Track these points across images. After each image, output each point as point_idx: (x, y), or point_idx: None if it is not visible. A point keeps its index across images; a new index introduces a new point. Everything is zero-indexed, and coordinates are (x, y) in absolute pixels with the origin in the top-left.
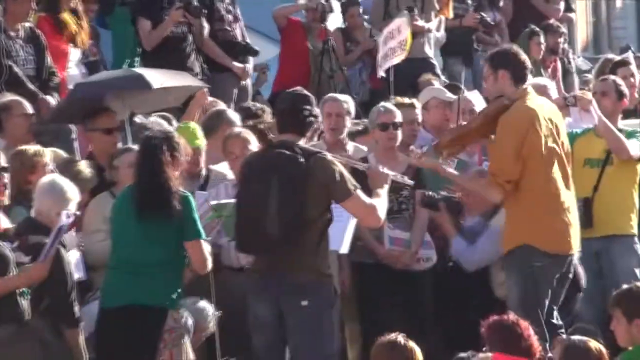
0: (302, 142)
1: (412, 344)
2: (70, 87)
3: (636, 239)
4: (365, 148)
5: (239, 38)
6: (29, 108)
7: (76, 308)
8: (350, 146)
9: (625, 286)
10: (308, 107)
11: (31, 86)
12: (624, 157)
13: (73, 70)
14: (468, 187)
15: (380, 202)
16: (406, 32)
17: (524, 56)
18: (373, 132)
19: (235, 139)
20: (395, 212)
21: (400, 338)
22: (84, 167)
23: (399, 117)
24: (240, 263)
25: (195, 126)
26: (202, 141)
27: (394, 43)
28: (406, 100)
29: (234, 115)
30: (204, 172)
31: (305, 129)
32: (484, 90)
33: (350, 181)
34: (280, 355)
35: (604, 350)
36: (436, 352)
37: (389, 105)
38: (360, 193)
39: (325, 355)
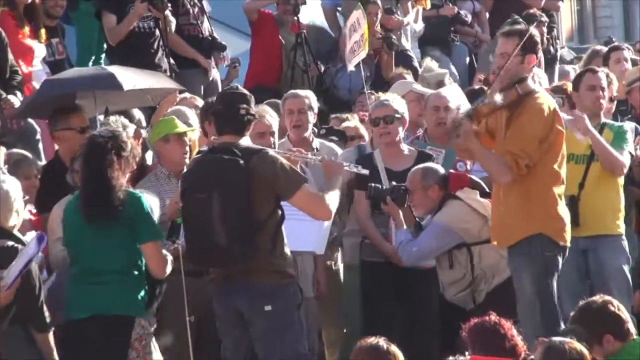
0: (243, 141)
1: (394, 348)
2: (35, 83)
3: (623, 236)
4: (334, 146)
5: (206, 33)
6: None
7: (46, 313)
8: (317, 143)
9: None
10: (244, 105)
11: None
12: (619, 173)
13: (38, 66)
14: (483, 160)
15: (331, 195)
16: (364, 25)
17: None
18: (371, 128)
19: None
20: None
21: (382, 342)
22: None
23: (392, 110)
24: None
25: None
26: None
27: (357, 36)
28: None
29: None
30: None
31: (243, 128)
32: (494, 62)
33: (295, 175)
34: (248, 358)
35: (585, 351)
36: (442, 352)
37: (381, 100)
38: (306, 186)
39: (297, 355)
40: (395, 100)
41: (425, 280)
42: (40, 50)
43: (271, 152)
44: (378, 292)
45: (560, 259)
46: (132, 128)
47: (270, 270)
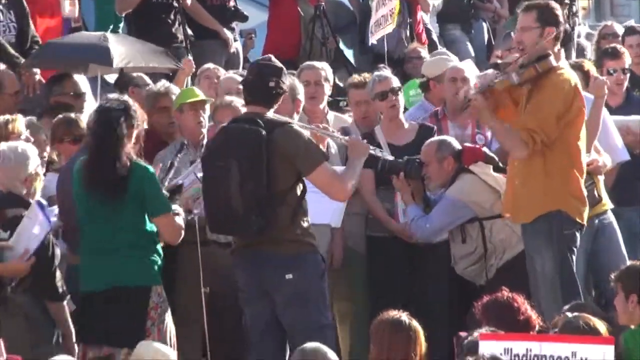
0: (269, 114)
1: (415, 323)
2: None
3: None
4: (349, 119)
5: (230, 3)
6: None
7: (60, 282)
8: (331, 115)
9: (629, 262)
10: (275, 78)
11: (12, 52)
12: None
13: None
14: (499, 133)
15: (351, 175)
16: (395, 1)
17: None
18: (374, 103)
19: (225, 109)
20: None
21: (405, 317)
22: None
23: (396, 82)
24: (227, 238)
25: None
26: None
27: (385, 10)
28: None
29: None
30: (204, 142)
31: (271, 100)
32: (515, 38)
33: (317, 152)
34: (269, 330)
35: (601, 326)
36: (450, 329)
37: (384, 72)
38: (326, 164)
39: (320, 325)
40: (389, 73)
41: (433, 254)
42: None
43: (296, 126)
44: (386, 267)
45: (578, 236)
46: (177, 91)
47: (290, 240)
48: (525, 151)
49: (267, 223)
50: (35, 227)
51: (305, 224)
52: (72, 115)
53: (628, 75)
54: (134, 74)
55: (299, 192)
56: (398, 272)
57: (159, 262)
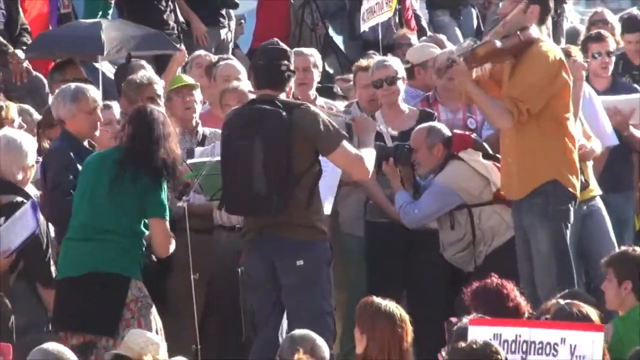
0: (282, 97)
1: (403, 313)
2: None
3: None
4: (339, 104)
5: None
6: None
7: (52, 268)
8: (321, 101)
9: (621, 248)
10: (285, 61)
11: (1, 40)
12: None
13: None
14: (482, 104)
15: (368, 153)
16: None
17: None
18: (372, 90)
19: (232, 92)
20: None
21: (395, 309)
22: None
23: (393, 71)
24: (232, 222)
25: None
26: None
27: None
28: (363, 62)
29: None
30: (200, 129)
31: (283, 83)
32: (500, 9)
33: (337, 132)
34: (274, 314)
35: (593, 314)
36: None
37: (379, 61)
38: (346, 144)
39: (323, 312)
40: (393, 60)
41: (430, 241)
42: None
43: (312, 107)
44: (384, 253)
45: (572, 210)
46: (160, 85)
47: (305, 225)
48: (510, 120)
49: (286, 204)
50: (23, 226)
51: (320, 207)
52: None
53: (613, 59)
54: (136, 64)
55: (315, 174)
56: (395, 259)
57: (141, 259)
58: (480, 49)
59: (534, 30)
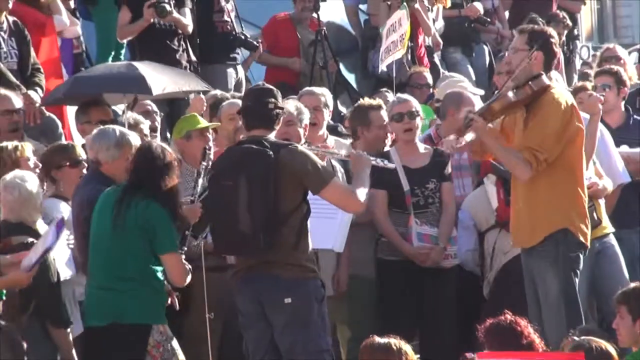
0: (271, 136)
1: (405, 346)
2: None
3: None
4: (347, 142)
5: (237, 30)
6: (15, 103)
7: (64, 308)
8: (331, 140)
9: (633, 284)
10: (272, 100)
11: (14, 80)
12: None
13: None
14: (502, 157)
15: (360, 187)
16: (406, 26)
17: (557, 44)
18: (391, 125)
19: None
20: (422, 207)
21: (393, 341)
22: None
23: (413, 106)
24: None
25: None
26: (208, 124)
27: (395, 36)
28: (373, 102)
29: None
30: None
31: (272, 122)
32: (504, 59)
33: (325, 170)
34: (271, 353)
35: (611, 350)
36: (457, 350)
37: (403, 95)
38: (337, 180)
39: (320, 350)
40: (411, 97)
41: (443, 279)
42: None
43: (300, 147)
44: (395, 291)
45: (582, 258)
46: (146, 124)
47: (292, 264)
48: (529, 171)
49: (272, 243)
50: (43, 242)
51: (307, 247)
52: (65, 142)
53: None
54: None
55: (302, 214)
56: (408, 296)
57: (163, 299)
58: (496, 104)
59: (544, 78)
